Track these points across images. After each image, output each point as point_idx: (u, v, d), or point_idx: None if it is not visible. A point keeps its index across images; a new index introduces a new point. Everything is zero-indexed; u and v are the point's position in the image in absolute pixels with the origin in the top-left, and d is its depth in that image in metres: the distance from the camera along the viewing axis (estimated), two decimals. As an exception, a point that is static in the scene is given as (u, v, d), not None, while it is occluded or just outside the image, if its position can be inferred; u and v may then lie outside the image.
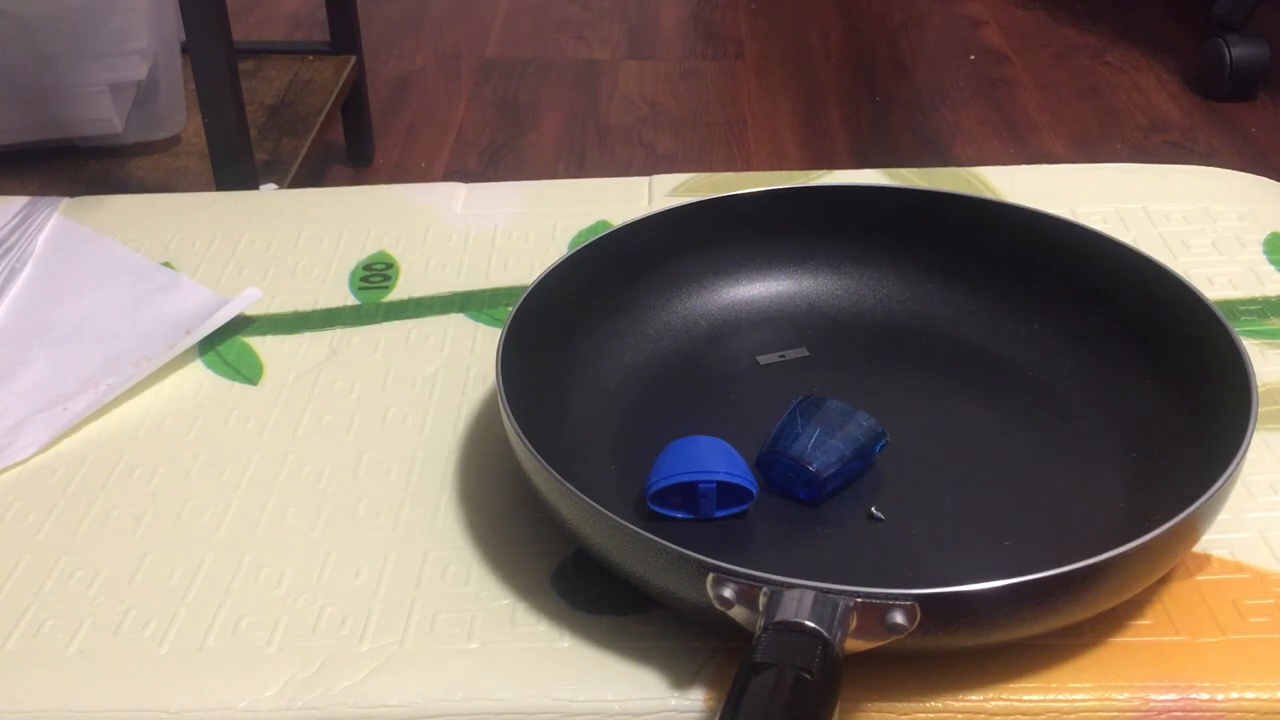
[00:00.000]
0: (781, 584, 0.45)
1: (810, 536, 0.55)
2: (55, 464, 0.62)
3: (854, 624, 0.45)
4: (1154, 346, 0.61)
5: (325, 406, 0.65)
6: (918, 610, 0.44)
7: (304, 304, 0.72)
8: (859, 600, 0.45)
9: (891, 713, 0.48)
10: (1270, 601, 0.52)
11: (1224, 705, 0.48)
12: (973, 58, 2.00)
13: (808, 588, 0.45)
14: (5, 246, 0.78)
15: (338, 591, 0.54)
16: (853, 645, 0.45)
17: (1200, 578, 0.53)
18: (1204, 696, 0.48)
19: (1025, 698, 0.48)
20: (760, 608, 0.45)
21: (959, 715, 0.48)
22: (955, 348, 0.65)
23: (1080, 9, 2.12)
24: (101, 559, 0.56)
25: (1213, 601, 0.52)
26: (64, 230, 0.80)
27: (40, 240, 0.79)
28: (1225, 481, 0.49)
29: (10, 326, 0.72)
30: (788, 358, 0.65)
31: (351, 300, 0.73)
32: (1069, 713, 0.48)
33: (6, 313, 0.73)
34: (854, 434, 0.56)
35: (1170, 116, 1.81)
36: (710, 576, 0.46)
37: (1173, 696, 0.48)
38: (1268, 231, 0.76)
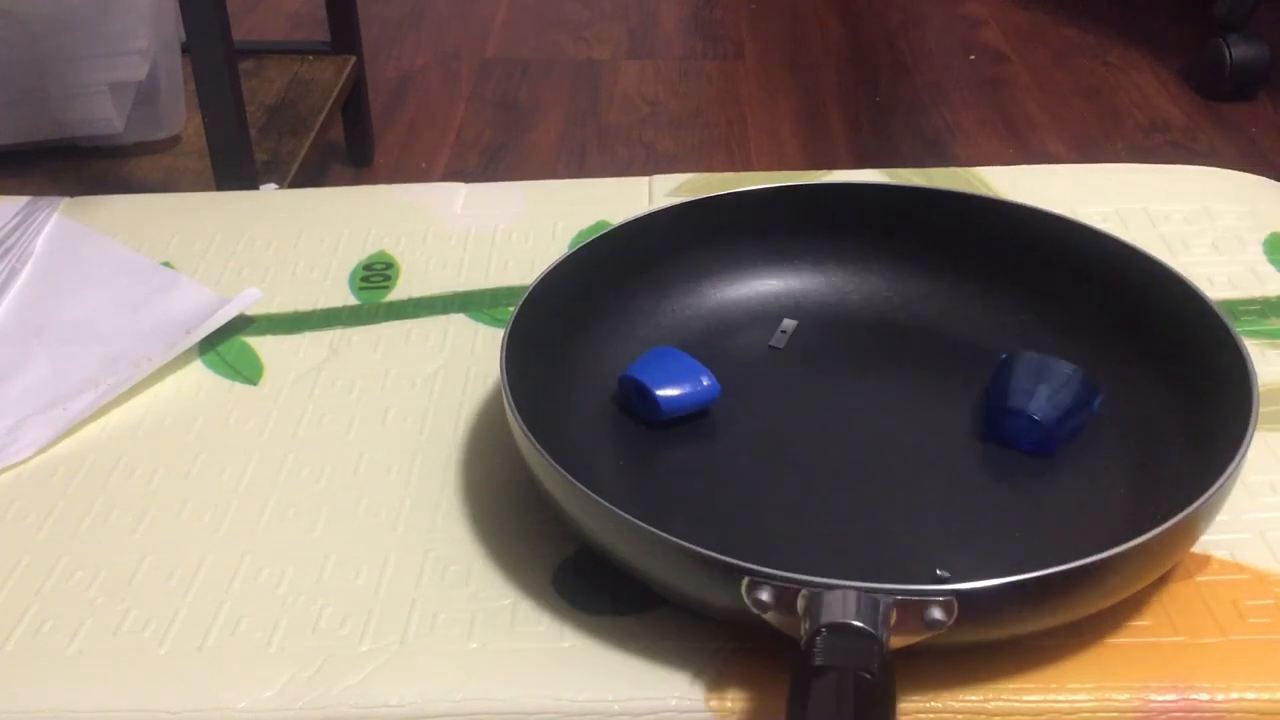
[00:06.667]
0: (822, 585, 0.45)
1: (812, 538, 0.55)
2: (55, 464, 0.62)
3: (893, 622, 0.45)
4: (1155, 346, 0.61)
5: (325, 406, 0.65)
6: (955, 605, 0.44)
7: (304, 304, 0.72)
8: (899, 598, 0.45)
9: (891, 713, 0.48)
10: (1270, 602, 0.52)
11: (1224, 705, 0.48)
12: (973, 58, 2.00)
13: (850, 588, 0.45)
14: (5, 246, 0.78)
15: (338, 591, 0.54)
16: (894, 643, 0.45)
17: (1200, 578, 0.53)
18: (1204, 697, 0.48)
19: (1025, 698, 0.48)
20: (799, 610, 0.45)
21: (959, 715, 0.48)
22: (958, 346, 0.65)
23: (1080, 9, 2.12)
24: (101, 559, 0.56)
25: (1212, 602, 0.52)
26: (64, 230, 0.80)
27: (40, 240, 0.79)
28: (1226, 479, 0.49)
29: (10, 326, 0.72)
30: (787, 331, 0.66)
31: (351, 300, 0.73)
32: (1069, 713, 0.48)
33: (6, 313, 0.73)
34: (1072, 387, 0.58)
35: (1170, 116, 1.81)
36: (746, 580, 0.46)
37: (1172, 697, 0.48)
38: (1268, 231, 0.76)
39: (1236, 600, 0.52)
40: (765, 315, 0.67)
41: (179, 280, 0.74)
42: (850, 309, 0.67)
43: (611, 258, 0.65)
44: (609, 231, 0.65)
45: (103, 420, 0.64)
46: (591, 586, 0.53)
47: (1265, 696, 0.48)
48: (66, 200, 0.83)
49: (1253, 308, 0.70)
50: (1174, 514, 0.47)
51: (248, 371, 0.67)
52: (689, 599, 0.50)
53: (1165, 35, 2.03)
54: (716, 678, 0.49)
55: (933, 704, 0.48)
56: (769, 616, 0.46)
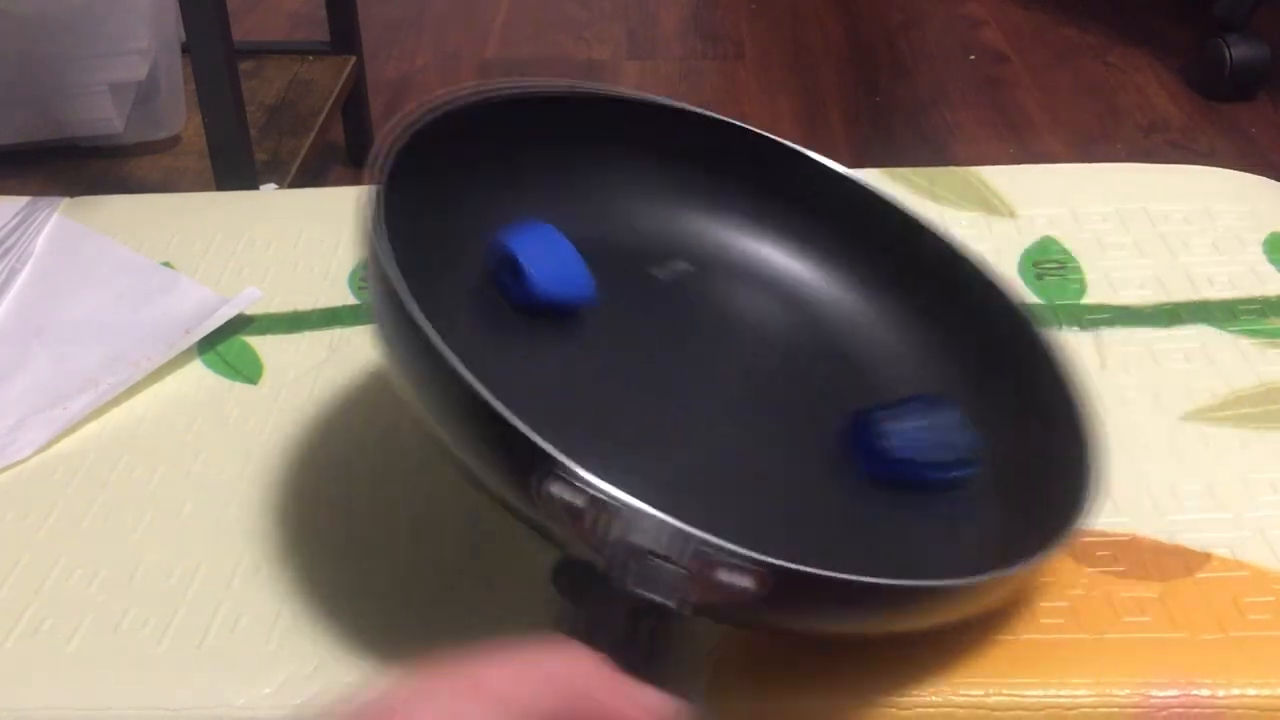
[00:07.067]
0: (648, 514, 0.41)
1: (647, 475, 0.47)
2: (55, 464, 0.62)
3: (702, 572, 0.42)
4: (1014, 386, 0.58)
5: (325, 406, 0.65)
6: (765, 578, 0.41)
7: (304, 304, 0.72)
8: (714, 549, 0.41)
9: (892, 706, 0.48)
10: (1270, 599, 0.52)
11: (1224, 702, 0.48)
12: (973, 58, 2.00)
13: (668, 522, 0.41)
14: (5, 246, 0.78)
15: (337, 589, 0.54)
16: (698, 596, 0.42)
17: (1200, 575, 0.53)
18: (1204, 693, 0.48)
19: (1026, 693, 0.48)
20: (602, 530, 0.42)
21: (960, 710, 0.48)
22: (853, 351, 0.61)
23: (1080, 9, 2.12)
24: (101, 558, 0.56)
25: (1213, 599, 0.52)
26: (64, 230, 0.80)
27: (40, 240, 0.79)
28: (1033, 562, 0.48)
29: (10, 326, 0.72)
30: (676, 269, 0.62)
31: (351, 300, 0.73)
32: (1069, 708, 0.48)
33: (6, 313, 0.73)
34: (949, 442, 0.54)
35: (1170, 116, 1.81)
36: (553, 477, 0.42)
37: (1173, 693, 0.48)
38: (1268, 231, 0.76)
39: (1237, 597, 0.52)
40: (665, 249, 0.62)
41: (179, 280, 0.74)
42: (756, 274, 0.64)
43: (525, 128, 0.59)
44: (522, 93, 0.59)
45: (103, 420, 0.64)
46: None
47: (1265, 693, 0.48)
48: (66, 200, 0.83)
49: (1253, 308, 0.69)
50: (1003, 565, 0.46)
51: (248, 371, 0.67)
52: (505, 491, 0.46)
53: (1165, 35, 2.03)
54: (714, 674, 0.49)
55: (933, 698, 0.48)
56: (565, 523, 0.42)
